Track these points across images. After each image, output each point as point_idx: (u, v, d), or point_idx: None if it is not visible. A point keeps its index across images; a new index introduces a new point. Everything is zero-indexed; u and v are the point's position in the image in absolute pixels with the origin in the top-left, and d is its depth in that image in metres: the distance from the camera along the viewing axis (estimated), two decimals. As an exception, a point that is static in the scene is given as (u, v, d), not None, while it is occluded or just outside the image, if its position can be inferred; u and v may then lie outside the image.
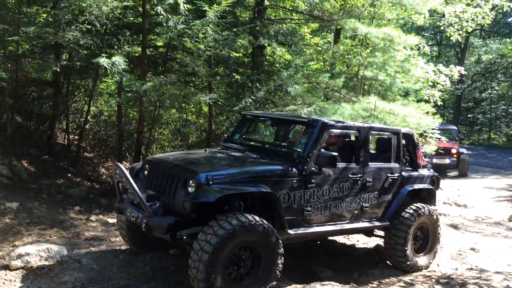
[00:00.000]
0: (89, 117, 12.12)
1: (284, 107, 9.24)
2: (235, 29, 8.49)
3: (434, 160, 16.12)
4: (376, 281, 5.75)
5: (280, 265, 4.59)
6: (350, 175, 5.46)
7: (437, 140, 13.34)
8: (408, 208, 5.97)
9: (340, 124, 5.58)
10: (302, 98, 9.61)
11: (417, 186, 6.24)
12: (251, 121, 6.39)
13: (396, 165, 6.02)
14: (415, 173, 6.30)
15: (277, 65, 11.28)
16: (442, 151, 15.70)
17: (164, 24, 8.01)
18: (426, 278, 5.69)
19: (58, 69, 7.73)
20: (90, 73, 10.43)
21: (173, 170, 4.86)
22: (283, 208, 4.82)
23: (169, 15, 7.88)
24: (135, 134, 10.61)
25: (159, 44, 10.74)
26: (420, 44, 11.35)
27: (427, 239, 6.19)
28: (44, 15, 8.93)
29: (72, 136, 11.82)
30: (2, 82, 7.45)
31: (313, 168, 5.07)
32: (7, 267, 5.27)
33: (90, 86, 11.36)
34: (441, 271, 6.04)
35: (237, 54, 10.60)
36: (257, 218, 4.43)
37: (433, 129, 12.26)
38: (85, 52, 9.58)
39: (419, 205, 6.06)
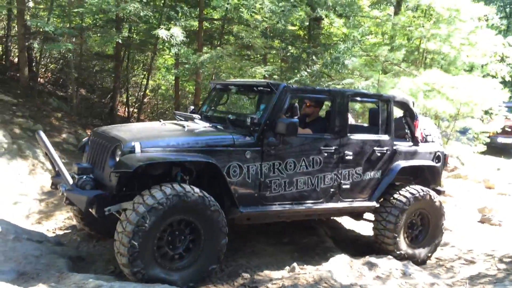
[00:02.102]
0: (147, 91, 12.49)
1: (340, 81, 9.02)
2: (292, 0, 8.32)
3: (499, 140, 15.25)
4: (434, 258, 5.59)
5: (223, 245, 4.12)
6: (322, 147, 4.78)
7: (504, 117, 12.58)
8: (403, 189, 5.25)
9: (308, 88, 4.96)
10: (360, 72, 9.33)
11: (413, 162, 5.42)
12: (222, 91, 5.68)
13: (386, 137, 5.23)
14: (412, 148, 5.49)
15: (334, 38, 10.99)
16: (509, 130, 14.78)
17: (222, -4, 8.00)
18: (488, 256, 5.46)
19: (120, 41, 7.97)
20: (149, 47, 10.69)
21: (106, 140, 4.39)
22: (235, 183, 4.31)
23: (226, -13, 7.86)
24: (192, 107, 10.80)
25: (215, 17, 10.78)
26: (488, 14, 10.62)
27: (427, 229, 5.46)
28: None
29: (131, 108, 12.24)
30: (68, 53, 7.78)
31: (272, 138, 4.46)
32: (75, 227, 5.62)
33: (148, 60, 11.67)
34: (504, 250, 5.75)
35: (293, 28, 10.44)
36: (195, 189, 3.93)
37: (499, 106, 11.56)
38: (144, 26, 9.81)
39: (417, 187, 5.31)
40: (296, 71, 9.42)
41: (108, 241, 5.26)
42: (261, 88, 4.92)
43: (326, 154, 4.81)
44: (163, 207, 3.71)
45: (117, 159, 3.98)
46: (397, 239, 5.15)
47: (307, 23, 10.09)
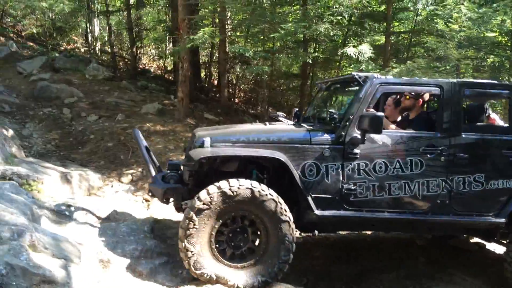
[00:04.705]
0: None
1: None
2: (494, 5, 7.54)
3: None
4: None
5: (288, 233, 3.77)
6: (424, 147, 4.08)
7: None
8: None
9: (405, 81, 4.25)
10: None
11: None
12: (324, 90, 5.20)
13: None
14: None
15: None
16: None
17: (412, 8, 7.71)
18: None
19: (310, 61, 8.35)
20: (333, 65, 10.93)
21: (191, 138, 4.47)
22: (312, 183, 3.94)
23: (418, -3, 7.56)
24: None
25: (401, 30, 10.47)
26: None
27: None
28: (295, 14, 9.79)
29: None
30: (263, 74, 8.46)
31: (355, 135, 3.97)
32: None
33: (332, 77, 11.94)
34: None
35: (491, 34, 9.45)
36: (244, 182, 3.71)
37: None
38: (330, 45, 10.09)
39: None
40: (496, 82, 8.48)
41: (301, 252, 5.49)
42: (350, 81, 4.45)
43: (430, 156, 4.11)
44: (209, 206, 3.65)
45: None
46: None
47: (510, 28, 9.03)
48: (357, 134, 3.99)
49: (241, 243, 3.84)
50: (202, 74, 13.59)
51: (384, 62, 9.03)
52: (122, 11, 14.06)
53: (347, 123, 4.02)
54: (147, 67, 14.87)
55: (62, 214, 4.57)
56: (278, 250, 3.81)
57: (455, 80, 4.27)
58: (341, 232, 5.95)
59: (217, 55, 12.02)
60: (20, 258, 2.90)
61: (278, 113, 5.37)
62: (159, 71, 14.88)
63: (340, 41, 9.79)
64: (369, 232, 5.93)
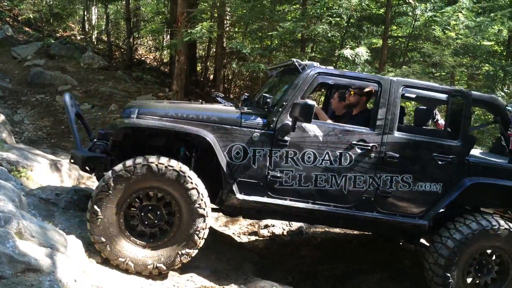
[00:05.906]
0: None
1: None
2: (492, 14, 7.60)
3: None
4: None
5: (199, 238, 3.72)
6: (355, 142, 3.99)
7: None
8: (470, 217, 4.16)
9: (345, 73, 4.17)
10: None
11: (492, 180, 4.18)
12: (276, 77, 5.05)
13: (454, 142, 4.16)
14: (499, 162, 4.33)
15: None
16: None
17: (410, 13, 7.74)
18: None
19: (307, 60, 8.34)
20: (330, 66, 10.93)
21: None
22: (237, 166, 3.86)
23: (416, 3, 7.58)
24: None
25: (399, 34, 10.50)
26: None
27: (505, 275, 4.20)
28: (294, 13, 9.80)
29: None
30: (260, 72, 8.46)
31: (286, 122, 3.87)
32: (256, 234, 6.05)
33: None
34: None
35: (488, 43, 9.52)
36: (175, 163, 3.64)
37: None
38: (327, 45, 10.09)
39: (491, 218, 4.15)
40: (487, 90, 8.56)
41: (288, 251, 5.53)
42: (290, 67, 4.33)
43: (360, 151, 4.02)
44: (129, 176, 3.59)
45: None
46: (450, 280, 4.08)
47: (507, 38, 9.12)
48: (288, 121, 3.90)
49: (151, 222, 3.75)
50: (198, 68, 13.55)
51: (380, 65, 9.05)
52: (121, 0, 13.97)
53: (280, 109, 3.93)
54: (143, 58, 14.79)
55: (50, 202, 4.54)
56: (186, 241, 3.74)
57: (394, 78, 4.18)
58: (328, 231, 6.02)
59: (214, 50, 12.00)
60: (6, 245, 2.86)
61: (217, 93, 5.23)
62: (155, 63, 14.81)
63: (338, 42, 9.80)
64: (356, 233, 5.98)
